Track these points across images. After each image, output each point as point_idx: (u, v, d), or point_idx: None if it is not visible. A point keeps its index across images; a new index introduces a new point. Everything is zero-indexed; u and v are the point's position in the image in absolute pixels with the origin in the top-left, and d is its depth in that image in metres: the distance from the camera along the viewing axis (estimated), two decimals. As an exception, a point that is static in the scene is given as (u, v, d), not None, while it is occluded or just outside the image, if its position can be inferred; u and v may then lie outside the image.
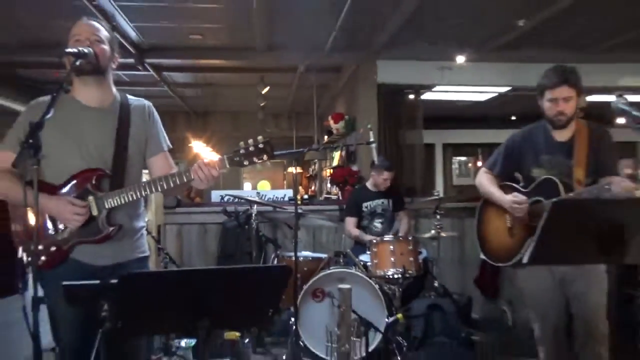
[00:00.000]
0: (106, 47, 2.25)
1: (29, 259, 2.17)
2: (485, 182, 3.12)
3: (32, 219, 1.94)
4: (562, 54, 6.12)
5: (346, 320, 1.96)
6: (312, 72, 7.58)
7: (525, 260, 2.00)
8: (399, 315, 2.56)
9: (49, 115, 1.92)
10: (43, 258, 2.15)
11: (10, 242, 2.22)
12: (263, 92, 8.43)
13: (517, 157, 3.03)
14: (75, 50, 2.10)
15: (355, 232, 4.92)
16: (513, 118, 10.73)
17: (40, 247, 2.14)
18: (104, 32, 2.27)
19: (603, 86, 6.20)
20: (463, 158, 12.90)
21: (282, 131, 11.78)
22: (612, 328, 2.72)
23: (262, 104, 9.38)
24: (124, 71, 7.45)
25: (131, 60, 6.48)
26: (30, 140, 1.83)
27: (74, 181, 2.18)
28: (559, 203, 1.92)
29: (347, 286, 2.02)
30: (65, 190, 2.18)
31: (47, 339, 2.30)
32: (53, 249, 2.16)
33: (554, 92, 2.83)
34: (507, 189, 3.06)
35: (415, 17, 5.29)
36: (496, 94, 8.29)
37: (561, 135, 2.92)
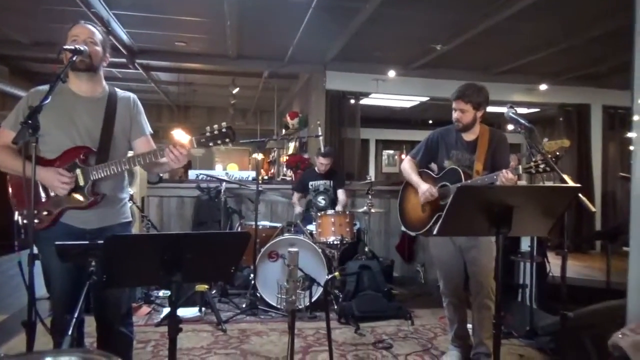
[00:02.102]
0: (99, 48, 2.13)
1: (24, 221, 2.05)
2: (408, 168, 3.15)
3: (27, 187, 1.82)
4: (468, 73, 6.25)
5: (293, 276, 1.94)
6: (274, 77, 7.48)
7: (435, 232, 2.02)
8: (337, 274, 2.55)
9: (47, 101, 1.81)
10: (36, 221, 2.02)
11: (8, 207, 2.09)
12: (234, 92, 8.26)
13: (435, 150, 3.07)
14: (72, 47, 1.98)
15: (295, 203, 4.94)
16: (430, 122, 10.93)
17: (34, 212, 2.01)
18: (98, 35, 2.14)
19: (499, 100, 6.41)
20: (391, 151, 13.02)
21: (249, 125, 11.60)
22: (497, 286, 2.80)
23: (232, 102, 9.19)
24: (117, 69, 7.13)
25: (123, 60, 6.19)
26: (30, 121, 1.71)
27: (65, 156, 2.06)
28: (462, 188, 1.94)
29: (295, 249, 1.99)
30: (58, 163, 2.05)
31: (42, 290, 2.18)
32: (45, 213, 2.05)
33: (454, 103, 2.92)
34: (423, 175, 3.11)
35: (357, 39, 5.30)
36: (418, 102, 8.40)
37: (468, 136, 2.97)
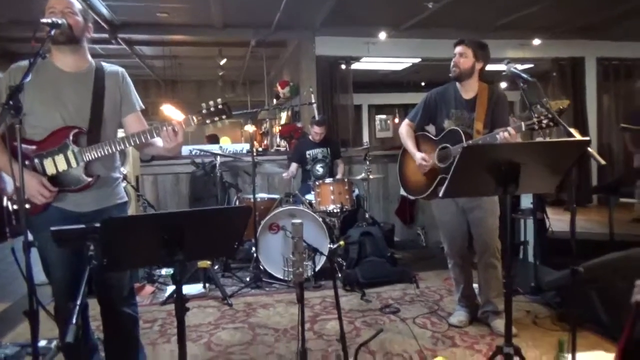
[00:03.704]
0: (79, 18, 2.00)
1: (14, 206, 1.96)
2: (405, 134, 3.08)
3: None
4: (460, 32, 6.07)
5: (299, 248, 1.89)
6: (262, 46, 7.23)
7: (441, 194, 1.96)
8: (341, 242, 2.51)
9: (27, 79, 1.70)
10: (27, 206, 1.94)
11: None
12: (221, 63, 8.04)
13: (433, 110, 3.00)
14: (49, 20, 1.86)
15: (293, 172, 4.89)
16: (422, 84, 10.75)
17: (25, 197, 1.93)
18: (76, 5, 2.01)
19: (493, 57, 6.28)
20: (383, 116, 12.87)
21: (239, 96, 11.36)
22: (506, 245, 2.79)
23: (220, 74, 8.97)
24: (99, 45, 6.89)
25: (105, 36, 5.95)
26: (11, 102, 1.61)
27: (54, 137, 1.96)
28: (467, 148, 1.88)
29: (298, 221, 1.93)
30: (46, 144, 1.96)
31: (42, 275, 2.13)
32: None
33: (455, 49, 2.87)
34: (422, 138, 3.05)
35: (345, 1, 5.12)
36: (410, 64, 8.23)
37: (467, 94, 2.89)
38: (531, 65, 8.31)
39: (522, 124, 2.50)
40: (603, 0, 5.28)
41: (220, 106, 1.99)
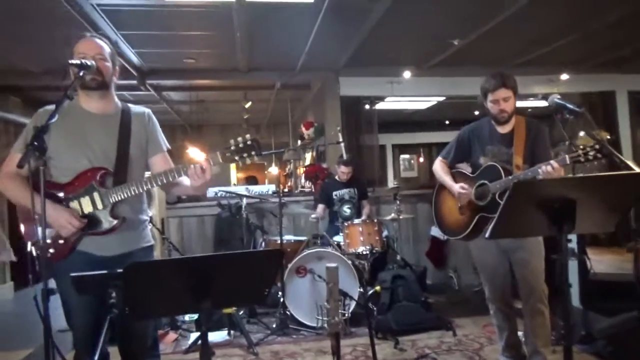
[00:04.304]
0: (109, 64, 1.99)
1: (38, 252, 1.89)
2: (440, 170, 2.95)
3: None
4: (485, 68, 6.01)
5: (334, 295, 1.74)
6: (287, 88, 7.33)
7: (487, 235, 1.80)
8: (377, 288, 2.35)
9: (53, 120, 1.68)
10: (51, 250, 1.86)
11: (21, 239, 1.94)
12: (246, 106, 8.14)
13: (467, 148, 2.87)
14: (78, 61, 1.84)
15: (321, 214, 4.71)
16: (447, 122, 10.66)
17: (48, 241, 1.85)
18: (106, 49, 2.00)
19: (521, 94, 6.16)
20: (407, 156, 12.80)
21: (263, 139, 11.46)
22: (550, 288, 2.58)
23: (245, 117, 9.07)
24: (128, 91, 7.06)
25: (134, 82, 6.10)
26: (35, 143, 1.56)
27: (80, 179, 1.90)
28: (519, 183, 1.73)
29: (333, 265, 1.79)
30: (72, 187, 1.90)
31: (63, 321, 2.03)
32: (60, 241, 1.88)
33: (495, 94, 2.67)
34: (457, 175, 2.90)
35: (369, 41, 5.13)
36: (434, 102, 8.18)
37: (503, 129, 2.76)
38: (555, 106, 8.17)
39: (567, 156, 2.33)
40: (631, 32, 5.16)
41: (249, 142, 1.90)
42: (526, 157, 2.68)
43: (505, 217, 1.71)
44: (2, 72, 5.72)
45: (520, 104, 2.84)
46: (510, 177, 2.56)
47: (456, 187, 2.79)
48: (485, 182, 2.69)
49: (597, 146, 2.15)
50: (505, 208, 1.68)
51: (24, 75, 5.79)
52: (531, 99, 6.96)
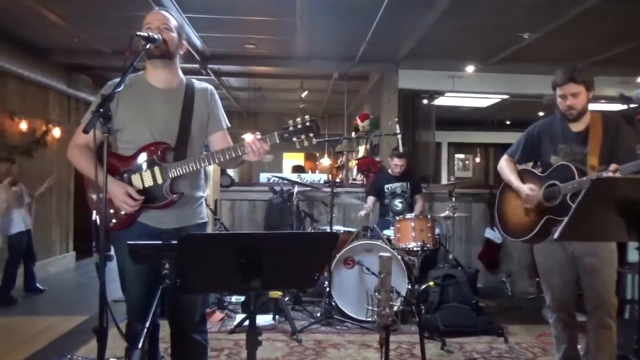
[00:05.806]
0: (174, 34, 2.00)
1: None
2: (506, 168, 2.77)
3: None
4: (553, 66, 5.65)
5: (386, 285, 1.67)
6: (344, 79, 7.24)
7: (555, 236, 1.67)
8: (431, 283, 2.26)
9: (119, 89, 1.71)
10: (114, 221, 1.91)
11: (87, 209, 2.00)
12: (303, 95, 8.15)
13: (537, 146, 2.68)
14: (145, 34, 1.86)
15: (370, 207, 4.64)
16: (507, 123, 10.20)
17: (111, 211, 1.90)
18: (172, 22, 2.02)
19: (590, 95, 5.76)
20: (462, 155, 12.40)
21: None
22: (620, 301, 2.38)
23: (301, 106, 9.10)
24: (190, 76, 7.22)
25: (196, 66, 6.24)
26: (101, 110, 1.58)
27: (142, 153, 1.94)
28: (597, 181, 1.59)
29: (387, 254, 1.72)
30: (135, 160, 1.93)
31: (119, 292, 2.09)
32: (122, 213, 1.92)
33: (562, 89, 2.47)
34: (526, 174, 2.72)
35: (432, 32, 4.95)
36: (497, 100, 7.82)
37: (576, 126, 2.55)
38: (636, 105, 7.60)
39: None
40: None
41: (308, 123, 1.87)
42: (603, 157, 2.46)
43: (578, 218, 1.58)
44: (75, 51, 5.99)
45: (590, 106, 2.60)
46: (584, 178, 2.37)
47: (524, 188, 2.61)
48: (556, 182, 2.51)
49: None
50: (580, 207, 1.54)
51: (95, 55, 6.03)
52: (602, 101, 6.50)
